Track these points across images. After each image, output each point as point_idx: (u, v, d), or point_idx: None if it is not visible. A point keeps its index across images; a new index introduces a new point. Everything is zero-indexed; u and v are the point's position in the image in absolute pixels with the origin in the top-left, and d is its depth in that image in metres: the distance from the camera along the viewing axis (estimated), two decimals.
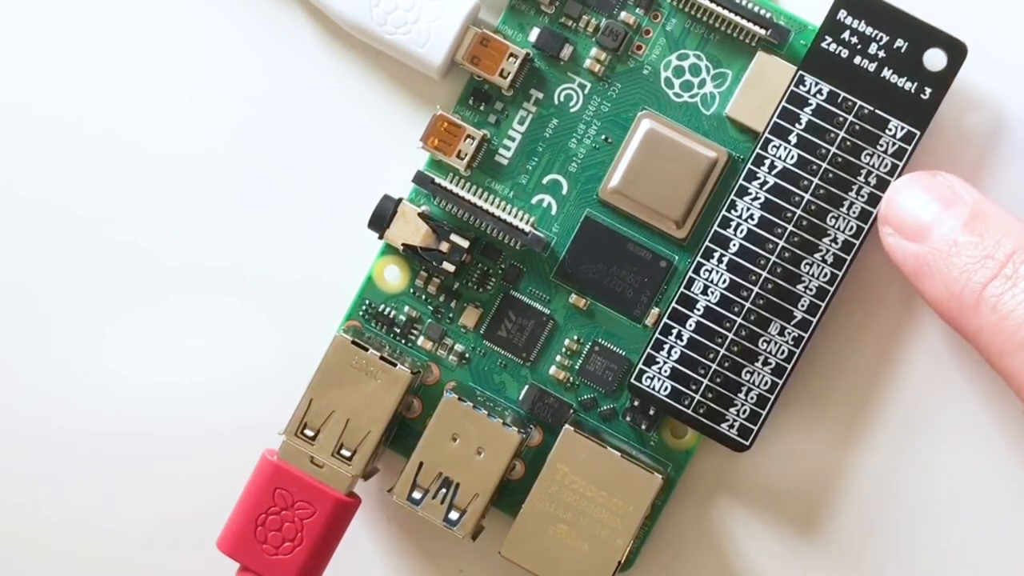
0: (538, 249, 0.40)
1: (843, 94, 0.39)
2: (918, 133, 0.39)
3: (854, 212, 0.39)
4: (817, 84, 0.39)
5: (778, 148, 0.40)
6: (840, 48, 0.39)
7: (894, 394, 0.41)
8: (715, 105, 0.41)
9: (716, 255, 0.40)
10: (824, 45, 0.39)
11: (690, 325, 0.40)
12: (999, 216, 0.38)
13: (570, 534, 0.39)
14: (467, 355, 0.41)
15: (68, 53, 0.43)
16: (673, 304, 0.40)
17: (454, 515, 0.39)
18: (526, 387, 0.41)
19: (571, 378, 0.41)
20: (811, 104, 0.39)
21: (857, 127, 0.39)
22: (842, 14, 0.39)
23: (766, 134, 0.40)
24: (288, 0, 0.42)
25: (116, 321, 0.43)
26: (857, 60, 0.39)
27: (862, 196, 0.39)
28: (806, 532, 0.41)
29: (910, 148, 0.39)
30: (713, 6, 0.40)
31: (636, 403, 0.41)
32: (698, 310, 0.40)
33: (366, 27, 0.41)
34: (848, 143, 0.39)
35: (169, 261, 0.42)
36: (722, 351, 0.40)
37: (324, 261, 0.42)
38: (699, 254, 0.40)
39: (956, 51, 0.39)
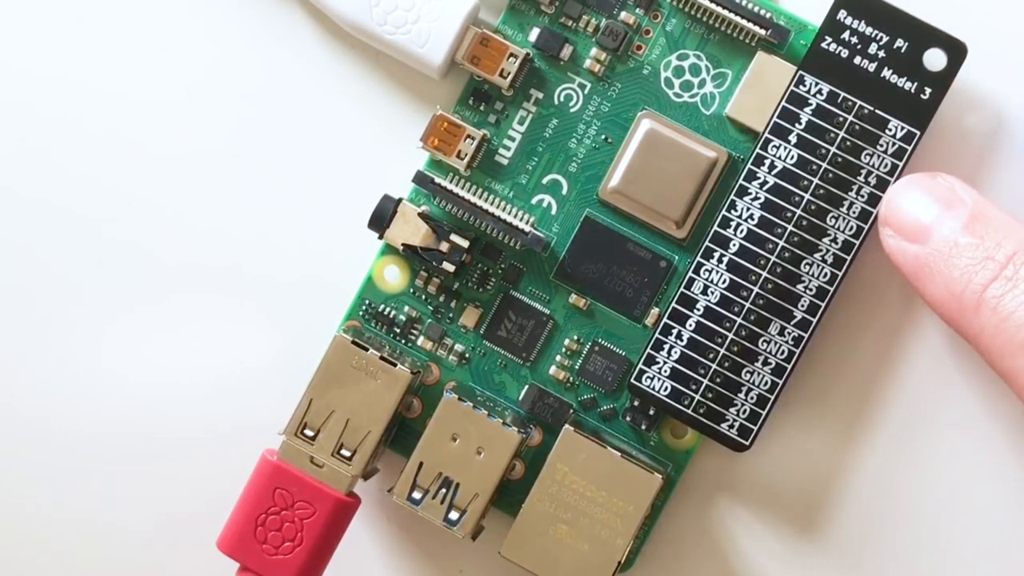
0: (538, 249, 0.40)
1: (843, 94, 0.39)
2: (918, 133, 0.39)
3: (854, 212, 0.39)
4: (817, 84, 0.39)
5: (778, 148, 0.40)
6: (840, 48, 0.39)
7: (894, 394, 0.41)
8: (715, 105, 0.41)
9: (716, 255, 0.40)
10: (824, 45, 0.39)
11: (690, 325, 0.40)
12: (999, 218, 0.38)
13: (570, 534, 0.39)
14: (467, 355, 0.41)
15: (68, 53, 0.43)
16: (673, 304, 0.40)
17: (454, 515, 0.39)
18: (526, 387, 0.41)
19: (571, 378, 0.41)
20: (811, 104, 0.39)
21: (857, 127, 0.39)
22: (842, 14, 0.39)
23: (766, 134, 0.40)
24: (288, 0, 0.42)
25: (116, 321, 0.43)
26: (857, 60, 0.39)
27: (862, 196, 0.39)
28: (806, 532, 0.41)
29: (910, 148, 0.39)
30: (713, 6, 0.40)
31: (636, 403, 0.41)
32: (698, 310, 0.40)
33: (366, 27, 0.41)
34: (848, 143, 0.39)
35: (169, 261, 0.42)
36: (722, 351, 0.40)
37: (324, 261, 0.42)
38: (699, 254, 0.40)
39: (956, 51, 0.39)
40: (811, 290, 0.40)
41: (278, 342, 0.42)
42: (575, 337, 0.41)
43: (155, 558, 0.43)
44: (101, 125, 0.43)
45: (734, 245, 0.40)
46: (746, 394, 0.40)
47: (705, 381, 0.40)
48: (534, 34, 0.41)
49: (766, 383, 0.40)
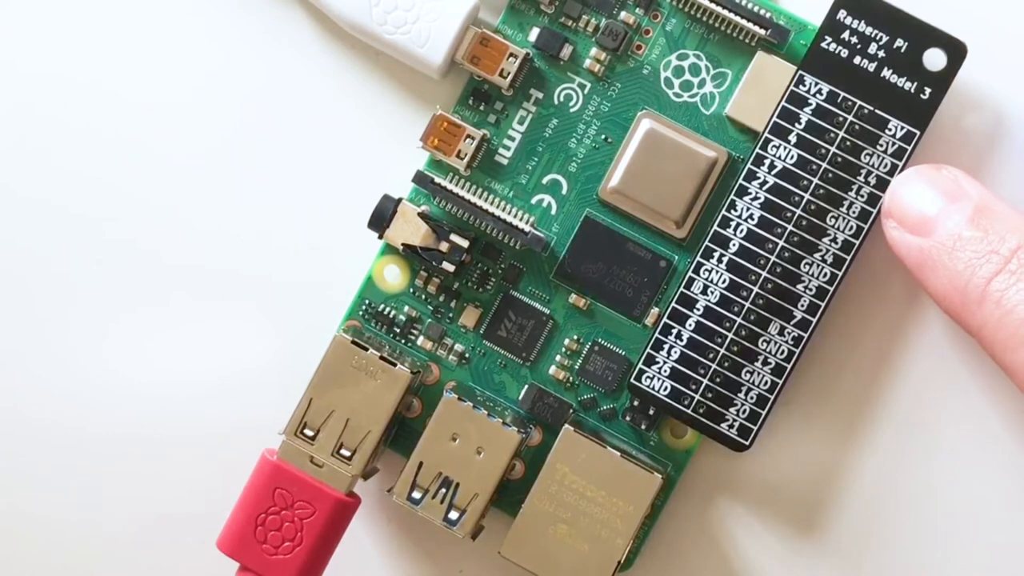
0: (538, 249, 0.40)
1: (843, 94, 0.39)
2: (918, 133, 0.39)
3: (854, 212, 0.39)
4: (817, 84, 0.39)
5: (778, 148, 0.40)
6: (840, 48, 0.39)
7: (894, 394, 0.41)
8: (715, 105, 0.41)
9: (716, 255, 0.40)
10: (824, 45, 0.39)
11: (690, 325, 0.40)
12: (1004, 211, 0.38)
13: (570, 534, 0.39)
14: (467, 355, 0.41)
15: (68, 53, 0.43)
16: (673, 304, 0.40)
17: (454, 515, 0.39)
18: (526, 387, 0.41)
19: (571, 378, 0.41)
20: (811, 104, 0.39)
21: (857, 127, 0.39)
22: (842, 14, 0.39)
23: (766, 134, 0.40)
24: (288, 0, 0.42)
25: (116, 321, 0.43)
26: (857, 60, 0.39)
27: (862, 196, 0.39)
28: (806, 532, 0.41)
29: (910, 148, 0.39)
30: (713, 6, 0.40)
31: (636, 403, 0.41)
32: (698, 310, 0.40)
33: (366, 27, 0.41)
34: (848, 143, 0.39)
35: (169, 261, 0.42)
36: (722, 351, 0.40)
37: (324, 261, 0.42)
38: (699, 254, 0.40)
39: (956, 51, 0.39)
40: (811, 290, 0.40)
41: (278, 342, 0.42)
42: (575, 337, 0.41)
43: (155, 558, 0.43)
44: (101, 125, 0.43)
45: (734, 245, 0.40)
46: (746, 394, 0.40)
47: (705, 381, 0.40)
48: (534, 34, 0.41)
49: (766, 383, 0.40)
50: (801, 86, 0.39)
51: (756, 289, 0.40)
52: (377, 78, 0.42)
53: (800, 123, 0.39)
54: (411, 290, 0.41)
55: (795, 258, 0.40)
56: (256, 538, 0.39)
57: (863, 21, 0.39)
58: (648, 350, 0.40)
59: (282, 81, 0.42)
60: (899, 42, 0.39)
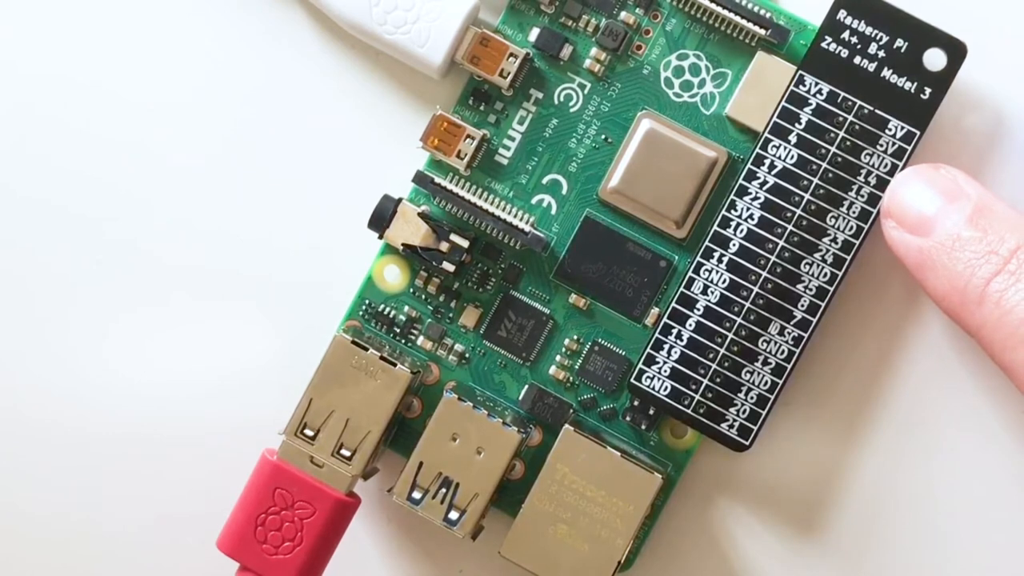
0: (538, 249, 0.40)
1: (843, 94, 0.39)
2: (918, 133, 0.39)
3: (854, 212, 0.39)
4: (817, 84, 0.39)
5: (778, 148, 0.40)
6: (840, 48, 0.39)
7: (894, 394, 0.41)
8: (715, 105, 0.41)
9: (716, 255, 0.40)
10: (824, 45, 0.39)
11: (690, 325, 0.40)
12: (1003, 211, 0.38)
13: (570, 534, 0.39)
14: (467, 355, 0.41)
15: (68, 53, 0.43)
16: (673, 304, 0.40)
17: (454, 515, 0.39)
18: (526, 387, 0.41)
19: (571, 378, 0.41)
20: (811, 104, 0.39)
21: (857, 127, 0.39)
22: (842, 14, 0.39)
23: (766, 134, 0.40)
24: (288, 0, 0.42)
25: (116, 321, 0.43)
26: (857, 60, 0.39)
27: (862, 196, 0.39)
28: (806, 532, 0.41)
29: (910, 148, 0.39)
30: (713, 6, 0.40)
31: (636, 403, 0.41)
32: (698, 310, 0.40)
33: (366, 27, 0.41)
34: (848, 143, 0.39)
35: (169, 261, 0.42)
36: (722, 351, 0.40)
37: (324, 261, 0.42)
38: (699, 254, 0.40)
39: (956, 51, 0.39)
40: (811, 290, 0.40)
41: (278, 342, 0.42)
42: (575, 337, 0.41)
43: (155, 558, 0.43)
44: (101, 125, 0.43)
45: (734, 245, 0.40)
46: (746, 394, 0.40)
47: (705, 381, 0.40)
48: (534, 34, 0.41)
49: (766, 383, 0.40)
50: (801, 86, 0.39)
51: (756, 289, 0.40)
52: (377, 78, 0.42)
53: (800, 123, 0.39)
54: (411, 290, 0.41)
55: (795, 258, 0.40)
56: (256, 538, 0.39)
57: (863, 21, 0.39)
58: (648, 350, 0.40)
59: (282, 81, 0.42)
60: (899, 42, 0.39)
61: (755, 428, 0.40)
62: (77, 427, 0.43)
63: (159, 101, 0.42)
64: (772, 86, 0.40)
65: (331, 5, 0.41)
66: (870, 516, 0.41)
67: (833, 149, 0.39)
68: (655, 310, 0.41)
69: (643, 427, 0.41)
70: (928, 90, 0.39)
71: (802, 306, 0.40)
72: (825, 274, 0.40)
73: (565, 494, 0.39)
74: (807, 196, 0.39)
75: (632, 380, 0.40)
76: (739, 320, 0.40)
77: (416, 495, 0.39)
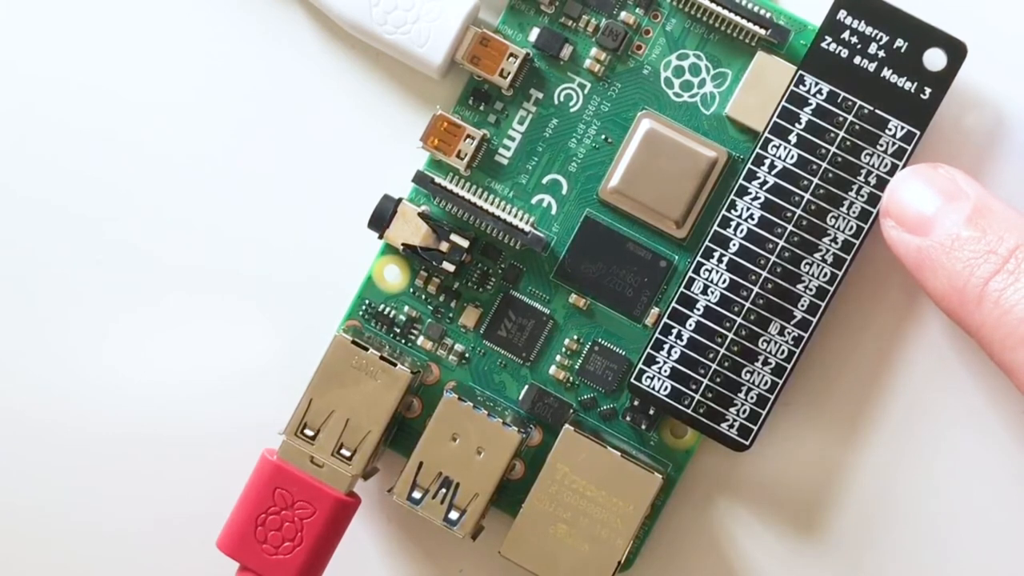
0: (538, 249, 0.40)
1: (843, 94, 0.39)
2: (918, 133, 0.39)
3: (854, 212, 0.39)
4: (817, 84, 0.39)
5: (778, 148, 0.40)
6: (840, 48, 0.39)
7: (894, 394, 0.41)
8: (715, 105, 0.41)
9: (716, 255, 0.40)
10: (824, 45, 0.39)
11: (690, 325, 0.40)
12: (1002, 211, 0.38)
13: (570, 534, 0.39)
14: (467, 355, 0.41)
15: (68, 53, 0.43)
16: (673, 304, 0.40)
17: (454, 515, 0.39)
18: (526, 387, 0.41)
19: (571, 378, 0.41)
20: (811, 104, 0.39)
21: (857, 127, 0.39)
22: (842, 14, 0.39)
23: (766, 134, 0.40)
24: (288, 0, 0.42)
25: (116, 321, 0.43)
26: (857, 60, 0.39)
27: (862, 196, 0.39)
28: (806, 532, 0.41)
29: (910, 148, 0.39)
30: (713, 6, 0.40)
31: (636, 403, 0.41)
32: (698, 310, 0.40)
33: (366, 27, 0.41)
34: (848, 143, 0.39)
35: (169, 261, 0.42)
36: (722, 351, 0.40)
37: (324, 261, 0.42)
38: (699, 254, 0.40)
39: (956, 51, 0.39)
40: (811, 290, 0.40)
41: (278, 342, 0.42)
42: (575, 337, 0.41)
43: (155, 558, 0.43)
44: (101, 125, 0.43)
45: (734, 245, 0.40)
46: (746, 394, 0.40)
47: (705, 381, 0.40)
48: (534, 34, 0.41)
49: (766, 383, 0.40)
50: (801, 86, 0.39)
51: (756, 289, 0.40)
52: (377, 78, 0.42)
53: (800, 123, 0.39)
54: (411, 290, 0.41)
55: (795, 258, 0.40)
56: (256, 538, 0.39)
57: (863, 21, 0.39)
58: (648, 350, 0.40)
59: (282, 81, 0.42)
60: (899, 42, 0.39)
61: (755, 428, 0.40)
62: (77, 427, 0.43)
63: (159, 101, 0.42)
64: (772, 86, 0.40)
65: (331, 5, 0.41)
66: (870, 516, 0.41)
67: (833, 149, 0.39)
68: (655, 310, 0.41)
69: (643, 427, 0.41)
70: (928, 90, 0.39)
71: (802, 306, 0.40)
72: (825, 274, 0.40)
73: (565, 494, 0.39)
74: (807, 196, 0.39)
75: (632, 380, 0.40)
76: (739, 320, 0.40)
77: (416, 495, 0.39)
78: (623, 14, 0.41)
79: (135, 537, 0.43)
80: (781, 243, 0.40)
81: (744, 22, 0.40)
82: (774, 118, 0.40)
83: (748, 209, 0.40)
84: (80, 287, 0.43)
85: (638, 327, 0.41)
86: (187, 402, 0.42)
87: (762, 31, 0.40)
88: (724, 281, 0.40)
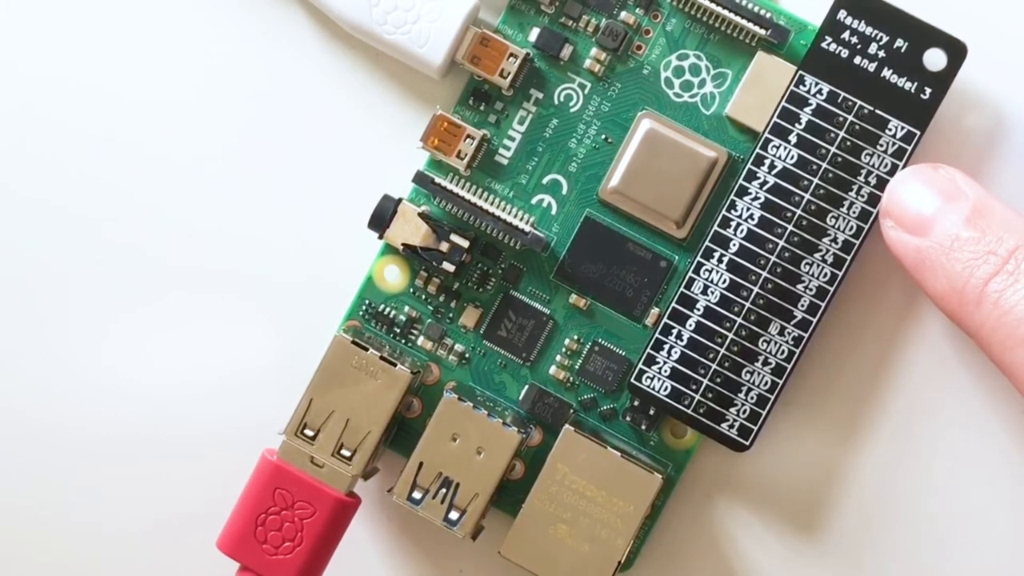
0: (538, 249, 0.40)
1: (843, 94, 0.39)
2: (918, 133, 0.39)
3: (854, 212, 0.39)
4: (817, 84, 0.39)
5: (778, 148, 0.40)
6: (840, 48, 0.39)
7: (894, 394, 0.41)
8: (715, 105, 0.41)
9: (716, 255, 0.40)
10: (824, 45, 0.39)
11: (690, 325, 0.40)
12: (1001, 212, 0.38)
13: (570, 534, 0.39)
14: (467, 355, 0.41)
15: (68, 53, 0.43)
16: (673, 304, 0.40)
17: (454, 515, 0.39)
18: (526, 387, 0.41)
19: (571, 378, 0.41)
20: (811, 104, 0.39)
21: (857, 127, 0.39)
22: (842, 14, 0.39)
23: (766, 134, 0.40)
24: (288, 0, 0.42)
25: (116, 321, 0.43)
26: (857, 60, 0.39)
27: (862, 196, 0.39)
28: (806, 532, 0.41)
29: (910, 148, 0.39)
30: (713, 6, 0.40)
31: (636, 403, 0.41)
32: (698, 310, 0.40)
33: (366, 27, 0.41)
34: (848, 143, 0.39)
35: (169, 261, 0.42)
36: (722, 351, 0.40)
37: (324, 261, 0.42)
38: (699, 254, 0.40)
39: (956, 51, 0.39)
40: (811, 290, 0.40)
41: (278, 342, 0.42)
42: (575, 337, 0.41)
43: (155, 558, 0.43)
44: (101, 125, 0.43)
45: (734, 245, 0.40)
46: (746, 394, 0.40)
47: (705, 381, 0.40)
48: (534, 34, 0.41)
49: (766, 383, 0.40)
50: (801, 86, 0.39)
51: (756, 289, 0.40)
52: (377, 78, 0.42)
53: (800, 123, 0.39)
54: (411, 290, 0.41)
55: (795, 258, 0.40)
56: (256, 538, 0.39)
57: (863, 21, 0.39)
58: (648, 350, 0.40)
59: (282, 81, 0.42)
60: (899, 42, 0.39)
61: (755, 428, 0.40)
62: (77, 427, 0.43)
63: (159, 101, 0.42)
64: (772, 86, 0.40)
65: (331, 5, 0.41)
66: (870, 516, 0.41)
67: (833, 149, 0.39)
68: (655, 310, 0.41)
69: (643, 427, 0.41)
70: (928, 90, 0.39)
71: (802, 306, 0.40)
72: (825, 274, 0.40)
73: (565, 494, 0.39)
74: (807, 196, 0.39)
75: (632, 380, 0.40)
76: (739, 320, 0.40)
77: (416, 495, 0.39)
78: (623, 14, 0.41)
79: (135, 537, 0.43)
80: (781, 243, 0.40)
81: (744, 22, 0.40)
82: (774, 118, 0.40)
83: (748, 209, 0.40)
84: (80, 287, 0.43)
85: (638, 327, 0.41)
86: (187, 402, 0.42)
87: (762, 31, 0.40)
88: (724, 281, 0.40)
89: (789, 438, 0.41)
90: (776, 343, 0.40)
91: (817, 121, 0.39)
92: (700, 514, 0.42)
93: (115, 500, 0.43)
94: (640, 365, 0.40)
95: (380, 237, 0.40)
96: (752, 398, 0.40)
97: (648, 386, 0.40)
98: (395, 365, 0.39)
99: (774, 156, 0.40)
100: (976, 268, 0.37)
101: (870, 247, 0.40)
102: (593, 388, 0.41)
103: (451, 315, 0.41)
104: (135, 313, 0.43)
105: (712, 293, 0.40)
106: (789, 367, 0.40)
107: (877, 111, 0.39)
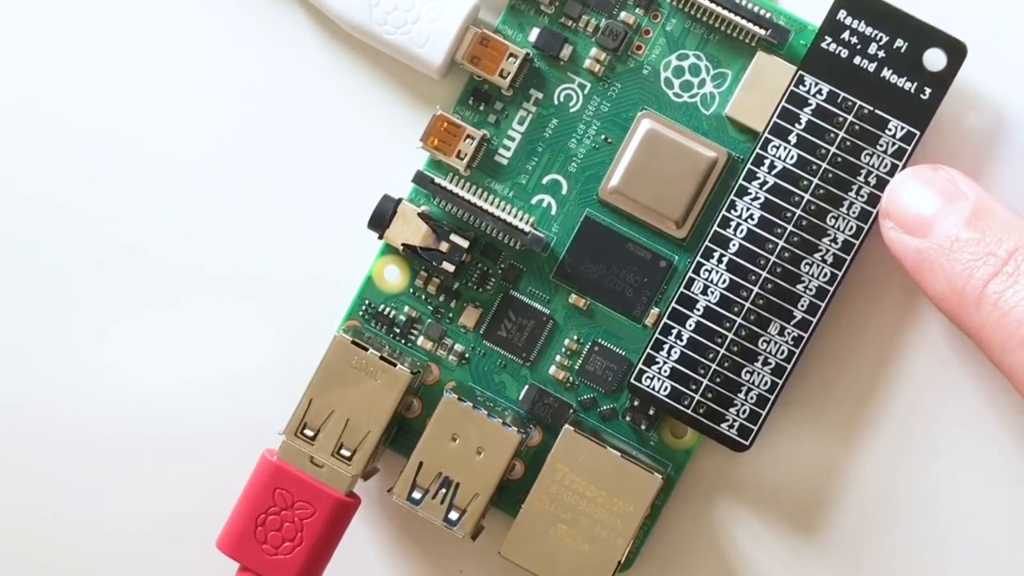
0: (538, 249, 0.40)
1: (843, 94, 0.39)
2: (918, 133, 0.39)
3: (854, 212, 0.39)
4: (817, 84, 0.39)
5: (778, 148, 0.40)
6: (840, 48, 0.39)
7: (894, 394, 0.41)
8: (715, 105, 0.41)
9: (716, 255, 0.40)
10: (824, 45, 0.39)
11: (690, 325, 0.40)
12: (1001, 213, 0.38)
13: (570, 534, 0.39)
14: (467, 355, 0.41)
15: (68, 53, 0.43)
16: (673, 304, 0.40)
17: (454, 515, 0.39)
18: (526, 387, 0.41)
19: (571, 378, 0.41)
20: (811, 104, 0.39)
21: (857, 127, 0.39)
22: (842, 14, 0.39)
23: (766, 134, 0.40)
24: (288, 0, 0.42)
25: (116, 321, 0.43)
26: (857, 60, 0.39)
27: (862, 196, 0.39)
28: (806, 532, 0.41)
29: (910, 148, 0.39)
30: (713, 6, 0.40)
31: (636, 403, 0.41)
32: (698, 310, 0.40)
33: (366, 27, 0.41)
34: (848, 143, 0.39)
35: (169, 261, 0.42)
36: (722, 351, 0.40)
37: (324, 261, 0.42)
38: (699, 254, 0.40)
39: (956, 51, 0.39)
40: (811, 290, 0.40)
41: (278, 342, 0.42)
42: (575, 337, 0.41)
43: (155, 558, 0.43)
44: (101, 125, 0.43)
45: (734, 245, 0.40)
46: (746, 394, 0.40)
47: (705, 381, 0.40)
48: (534, 34, 0.41)
49: (766, 383, 0.40)
50: (801, 86, 0.39)
51: (756, 289, 0.40)
52: (377, 78, 0.42)
53: (800, 123, 0.39)
54: (411, 290, 0.41)
55: (795, 258, 0.40)
56: (256, 538, 0.39)
57: (863, 21, 0.39)
58: (648, 350, 0.40)
59: (282, 81, 0.42)
60: (899, 42, 0.39)
61: (755, 428, 0.40)
62: (77, 427, 0.43)
63: (159, 101, 0.42)
64: (772, 86, 0.40)
65: (331, 5, 0.41)
66: (870, 516, 0.41)
67: (833, 149, 0.39)
68: (655, 310, 0.41)
69: (643, 427, 0.41)
70: (928, 90, 0.39)
71: (802, 306, 0.40)
72: (825, 274, 0.40)
73: (565, 494, 0.39)
74: (807, 196, 0.39)
75: (632, 380, 0.40)
76: (739, 320, 0.40)
77: (416, 495, 0.39)
78: (623, 14, 0.41)
79: (135, 537, 0.43)
80: (781, 243, 0.40)
81: (744, 22, 0.40)
82: (774, 118, 0.40)
83: (748, 209, 0.40)
84: (80, 287, 0.43)
85: (638, 327, 0.41)
86: (187, 402, 0.42)
87: (762, 31, 0.40)
88: (724, 281, 0.40)
89: (789, 438, 0.41)
90: (776, 343, 0.40)
91: (817, 121, 0.39)
92: (700, 514, 0.42)
93: (115, 500, 0.43)
94: (640, 365, 0.40)
95: (380, 237, 0.40)
96: (752, 398, 0.40)
97: (648, 386, 0.40)
98: (395, 365, 0.39)
99: (774, 156, 0.40)
100: (976, 269, 0.37)
101: (870, 247, 0.40)
102: (593, 388, 0.41)
103: (451, 315, 0.41)
104: (135, 313, 0.43)
105: (712, 293, 0.40)
106: (789, 367, 0.40)
107: (877, 111, 0.39)
